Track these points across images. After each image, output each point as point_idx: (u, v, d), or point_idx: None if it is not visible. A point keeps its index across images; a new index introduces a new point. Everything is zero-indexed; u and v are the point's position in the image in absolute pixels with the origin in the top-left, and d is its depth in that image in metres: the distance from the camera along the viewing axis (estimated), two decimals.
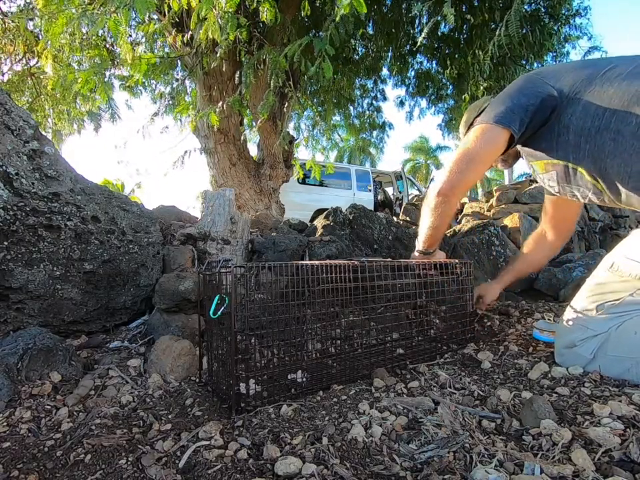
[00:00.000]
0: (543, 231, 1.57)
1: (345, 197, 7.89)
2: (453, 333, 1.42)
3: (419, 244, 1.46)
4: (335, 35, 2.74)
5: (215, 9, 2.75)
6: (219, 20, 2.66)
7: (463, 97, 4.76)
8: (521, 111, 1.11)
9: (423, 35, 3.23)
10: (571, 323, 1.11)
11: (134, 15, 5.04)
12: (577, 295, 1.16)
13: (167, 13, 3.34)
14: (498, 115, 1.13)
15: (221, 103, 3.69)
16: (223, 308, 0.98)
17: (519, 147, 1.25)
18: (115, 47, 4.43)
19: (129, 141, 4.79)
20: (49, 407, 0.99)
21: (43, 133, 1.58)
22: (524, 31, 3.22)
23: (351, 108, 6.45)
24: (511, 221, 2.90)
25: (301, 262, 1.17)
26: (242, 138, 4.32)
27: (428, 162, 24.63)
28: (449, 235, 2.59)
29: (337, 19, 2.48)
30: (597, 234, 3.61)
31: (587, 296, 1.11)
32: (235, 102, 3.63)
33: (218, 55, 3.33)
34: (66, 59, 4.33)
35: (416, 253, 1.49)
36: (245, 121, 4.64)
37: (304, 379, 1.10)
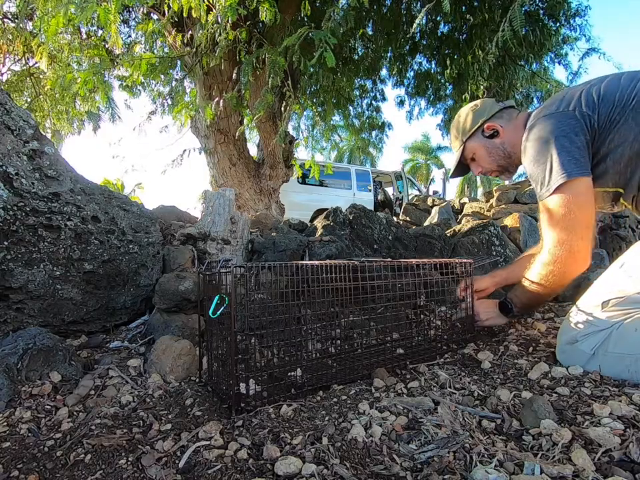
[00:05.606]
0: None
1: (345, 197, 7.91)
2: (453, 332, 1.42)
3: (517, 306, 1.35)
4: (335, 27, 2.72)
5: (215, 8, 2.75)
6: (219, 16, 2.65)
7: (463, 96, 4.76)
8: (583, 151, 1.12)
9: (418, 19, 3.17)
10: (575, 319, 1.12)
11: (133, 15, 5.04)
12: (586, 292, 1.17)
13: (166, 13, 3.33)
14: (572, 167, 1.11)
15: (217, 99, 3.68)
16: (222, 308, 0.97)
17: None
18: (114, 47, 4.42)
19: (125, 138, 4.79)
20: (49, 407, 0.99)
21: (42, 132, 1.58)
22: (524, 31, 3.21)
23: (351, 108, 6.43)
24: (511, 220, 2.91)
25: (300, 262, 1.17)
26: (237, 134, 4.29)
27: (428, 162, 24.65)
28: (449, 234, 2.59)
29: (337, 9, 2.47)
30: (597, 234, 3.61)
31: (594, 293, 1.12)
32: (232, 99, 3.61)
33: (217, 54, 3.32)
34: (65, 59, 4.33)
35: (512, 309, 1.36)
36: (245, 120, 4.63)
37: (304, 379, 1.10)
